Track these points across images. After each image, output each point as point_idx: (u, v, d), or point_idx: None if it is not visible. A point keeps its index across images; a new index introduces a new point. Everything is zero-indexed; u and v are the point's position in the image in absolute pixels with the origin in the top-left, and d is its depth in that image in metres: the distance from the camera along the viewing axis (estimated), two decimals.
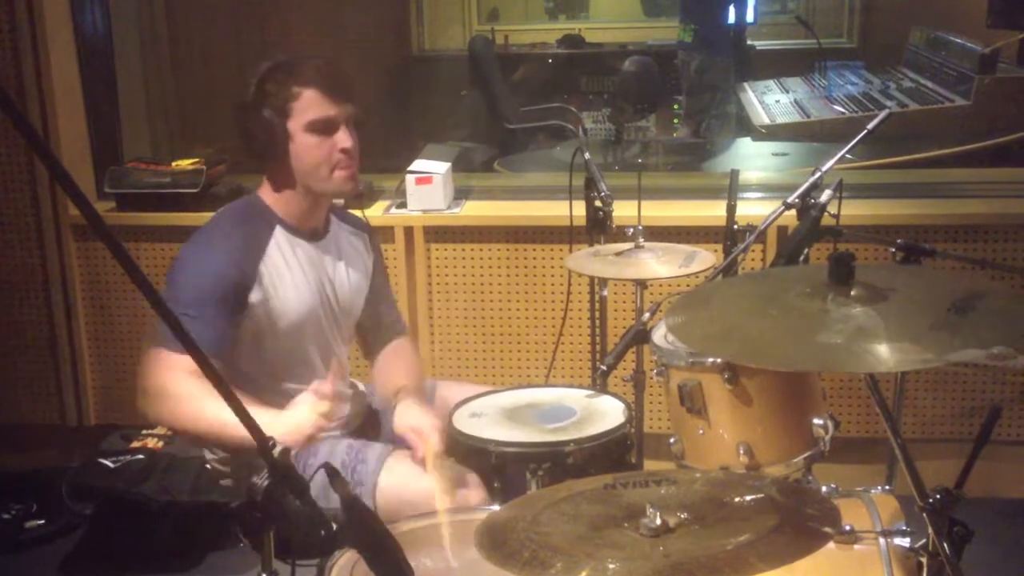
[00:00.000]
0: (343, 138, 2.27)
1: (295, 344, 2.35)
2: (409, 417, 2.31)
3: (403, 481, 2.22)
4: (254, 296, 2.25)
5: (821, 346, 1.51)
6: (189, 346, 1.30)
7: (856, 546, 1.90)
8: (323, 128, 2.25)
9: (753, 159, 4.49)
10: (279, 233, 2.31)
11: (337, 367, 2.21)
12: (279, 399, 2.19)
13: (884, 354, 1.46)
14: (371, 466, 2.25)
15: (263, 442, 1.36)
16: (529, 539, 1.41)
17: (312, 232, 2.38)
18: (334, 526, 1.42)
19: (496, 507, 2.01)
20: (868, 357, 1.44)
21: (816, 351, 1.52)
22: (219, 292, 2.20)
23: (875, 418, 3.27)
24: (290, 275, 2.31)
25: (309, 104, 2.23)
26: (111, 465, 3.32)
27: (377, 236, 2.63)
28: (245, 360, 2.30)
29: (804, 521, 1.49)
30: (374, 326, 2.60)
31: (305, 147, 2.25)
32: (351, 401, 2.49)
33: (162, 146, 4.42)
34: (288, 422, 2.07)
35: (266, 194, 2.34)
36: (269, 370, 2.34)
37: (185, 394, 2.10)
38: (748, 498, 1.54)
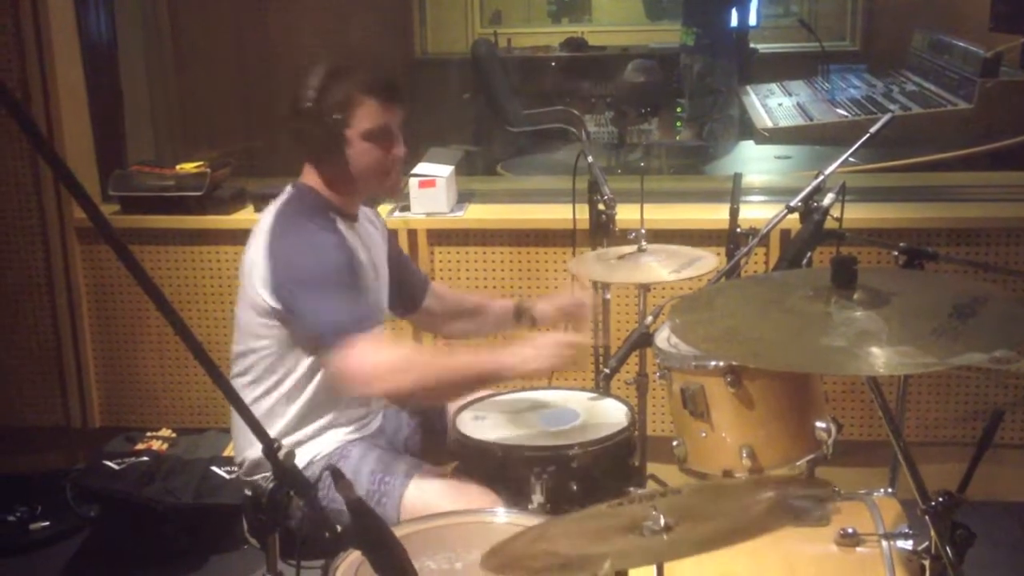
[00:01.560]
0: (397, 146, 2.35)
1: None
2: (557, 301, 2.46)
3: (429, 499, 2.23)
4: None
5: (823, 349, 1.52)
6: (194, 348, 1.30)
7: (858, 549, 1.91)
8: (380, 135, 2.31)
9: (756, 162, 4.50)
10: (337, 218, 2.36)
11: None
12: None
13: (885, 357, 1.47)
14: (399, 479, 2.27)
15: (268, 444, 1.37)
16: (537, 555, 1.40)
17: (353, 216, 2.44)
18: (339, 528, 1.42)
19: (499, 509, 2.01)
20: (870, 360, 1.45)
21: (818, 354, 1.53)
22: (345, 268, 2.26)
23: (878, 421, 3.27)
24: (357, 256, 2.36)
25: (369, 112, 2.29)
26: (115, 467, 3.33)
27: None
28: None
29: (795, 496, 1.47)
30: (411, 279, 2.71)
31: (361, 153, 2.31)
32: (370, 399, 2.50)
33: (166, 149, 4.43)
34: (532, 358, 2.20)
35: (317, 185, 2.37)
36: None
37: (419, 363, 2.23)
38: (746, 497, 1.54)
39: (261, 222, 2.35)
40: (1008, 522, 3.20)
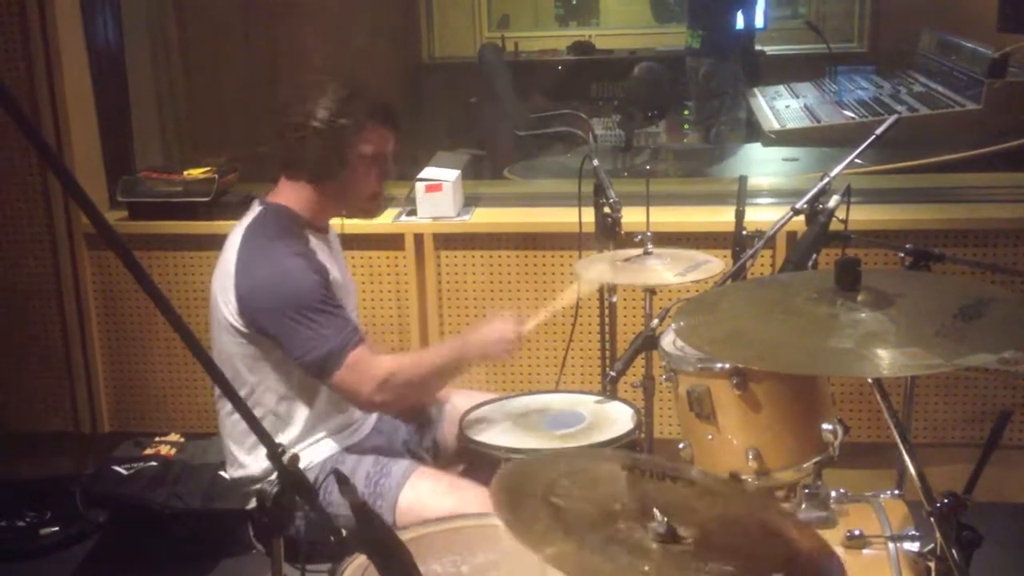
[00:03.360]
0: (385, 171, 2.39)
1: None
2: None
3: (424, 499, 2.26)
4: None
5: (828, 351, 1.52)
6: (200, 355, 1.31)
7: (865, 551, 1.90)
8: (378, 160, 2.35)
9: (763, 164, 4.49)
10: (309, 234, 2.37)
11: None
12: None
13: (891, 359, 1.46)
14: (395, 480, 2.29)
15: (273, 448, 1.37)
16: (544, 508, 1.39)
17: (325, 229, 2.46)
18: (344, 532, 1.42)
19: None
20: (875, 362, 1.45)
21: (823, 355, 1.53)
22: (321, 287, 2.27)
23: (885, 423, 3.24)
24: (330, 267, 2.36)
25: (375, 138, 2.33)
26: (124, 472, 3.33)
27: None
28: None
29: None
30: None
31: (358, 175, 2.34)
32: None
33: (174, 155, 4.45)
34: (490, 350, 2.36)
35: (292, 200, 2.36)
36: None
37: (406, 364, 2.33)
38: (759, 525, 1.50)
39: (229, 242, 2.33)
40: (1015, 524, 3.19)
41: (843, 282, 1.59)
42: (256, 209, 2.37)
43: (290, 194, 2.36)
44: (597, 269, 2.66)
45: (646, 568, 1.35)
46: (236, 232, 2.34)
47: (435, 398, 2.61)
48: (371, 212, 2.47)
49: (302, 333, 2.21)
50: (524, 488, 1.45)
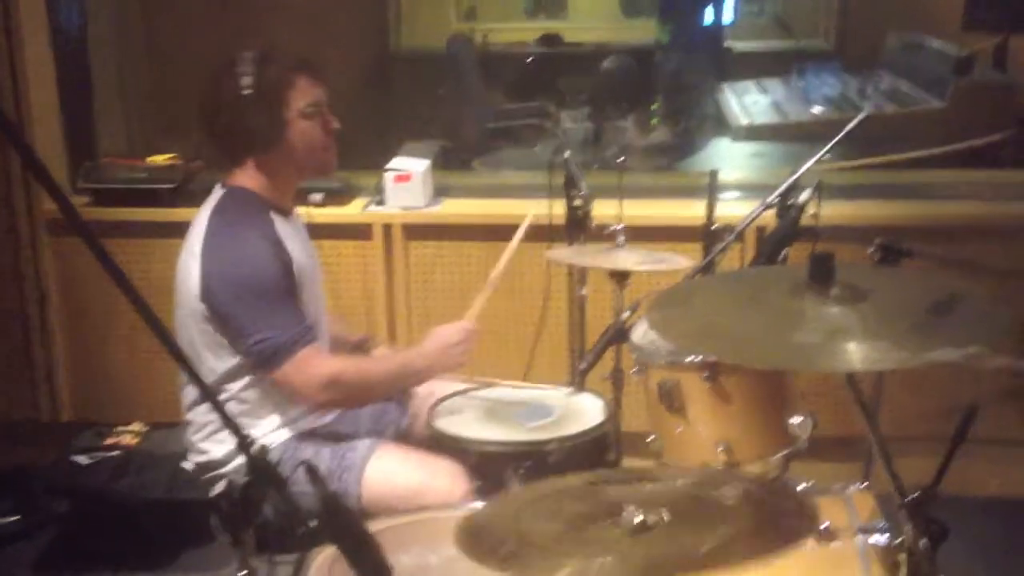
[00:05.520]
0: (331, 120, 2.35)
1: (313, 313, 2.38)
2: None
3: (391, 471, 2.25)
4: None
5: (800, 345, 1.52)
6: (166, 341, 1.29)
7: (833, 543, 1.91)
8: (314, 111, 2.31)
9: (731, 159, 4.51)
10: (274, 216, 2.33)
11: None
12: None
13: (863, 353, 1.47)
14: (360, 453, 2.28)
15: (242, 439, 1.35)
16: (509, 537, 1.41)
17: (289, 210, 2.43)
18: (312, 523, 1.41)
19: (475, 505, 2.00)
20: (847, 356, 1.45)
21: (795, 350, 1.52)
22: (288, 277, 2.25)
23: (852, 416, 3.25)
24: (296, 251, 2.33)
25: (302, 90, 2.29)
26: (85, 462, 3.29)
27: None
28: None
29: (782, 520, 1.49)
30: None
31: (301, 132, 2.29)
32: None
33: (137, 142, 4.38)
34: (442, 360, 2.34)
35: (250, 182, 2.33)
36: None
37: (352, 369, 2.31)
38: (728, 495, 1.55)
39: (194, 226, 2.31)
40: (979, 517, 3.21)
41: (817, 277, 1.59)
42: (219, 192, 2.35)
43: (246, 177, 2.33)
44: (566, 254, 2.66)
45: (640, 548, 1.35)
46: (201, 215, 2.31)
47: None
48: (327, 166, 2.39)
49: (254, 320, 2.18)
50: (485, 526, 1.46)
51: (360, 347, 2.64)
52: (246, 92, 2.23)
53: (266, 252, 2.23)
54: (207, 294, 2.21)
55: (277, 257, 2.24)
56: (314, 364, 2.22)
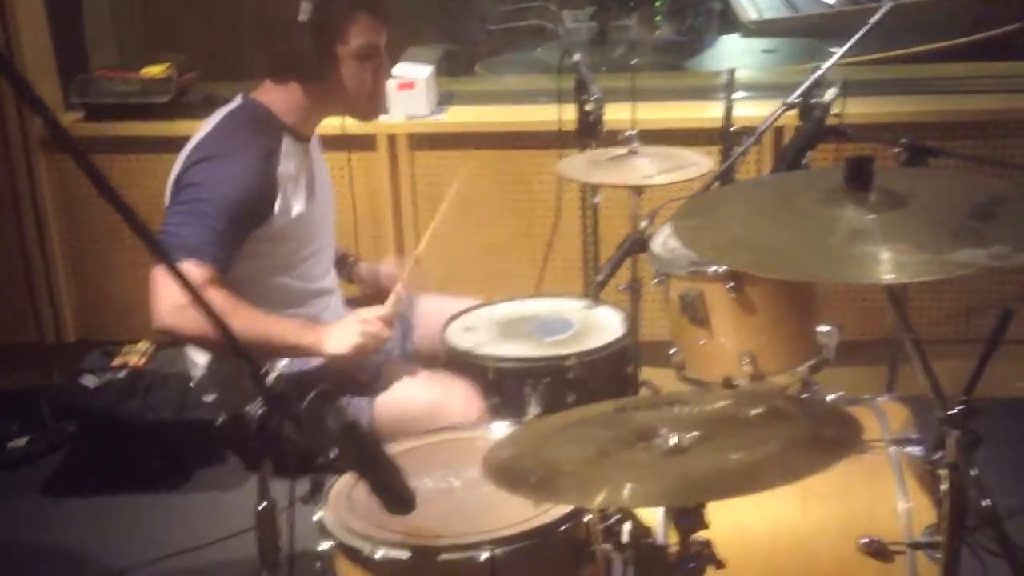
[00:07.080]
0: (384, 67, 2.27)
1: (309, 247, 2.31)
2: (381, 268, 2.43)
3: (401, 394, 2.21)
4: (278, 205, 2.19)
5: (839, 255, 1.44)
6: (167, 260, 1.22)
7: (865, 455, 1.86)
8: (369, 55, 2.22)
9: (741, 57, 4.39)
10: (286, 141, 2.25)
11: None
12: (307, 300, 2.30)
13: (902, 263, 1.39)
14: (370, 375, 2.23)
15: (257, 370, 1.29)
16: (537, 466, 1.36)
17: (307, 137, 2.34)
18: (332, 453, 1.36)
19: (494, 424, 1.94)
20: (893, 266, 1.37)
21: (834, 261, 1.45)
22: (244, 208, 2.13)
23: (874, 320, 3.21)
24: (297, 181, 2.25)
25: (363, 29, 2.20)
26: (93, 384, 3.24)
27: None
28: (274, 269, 2.25)
29: (820, 435, 1.45)
30: None
31: (351, 72, 2.21)
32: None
33: (130, 54, 4.25)
34: (334, 336, 2.11)
35: (276, 101, 2.25)
36: (297, 274, 2.30)
37: (225, 309, 2.00)
38: (761, 413, 1.50)
39: (200, 129, 2.26)
40: (1006, 419, 3.19)
41: (854, 182, 1.50)
42: (237, 101, 2.28)
43: (275, 95, 2.25)
44: (579, 169, 2.56)
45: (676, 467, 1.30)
46: (211, 119, 2.27)
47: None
48: (371, 114, 2.33)
49: (178, 212, 2.10)
50: (511, 458, 1.43)
51: (342, 261, 2.56)
52: (302, 19, 2.13)
53: (249, 168, 2.14)
54: (175, 182, 2.16)
55: (258, 178, 2.15)
56: (182, 282, 2.00)
